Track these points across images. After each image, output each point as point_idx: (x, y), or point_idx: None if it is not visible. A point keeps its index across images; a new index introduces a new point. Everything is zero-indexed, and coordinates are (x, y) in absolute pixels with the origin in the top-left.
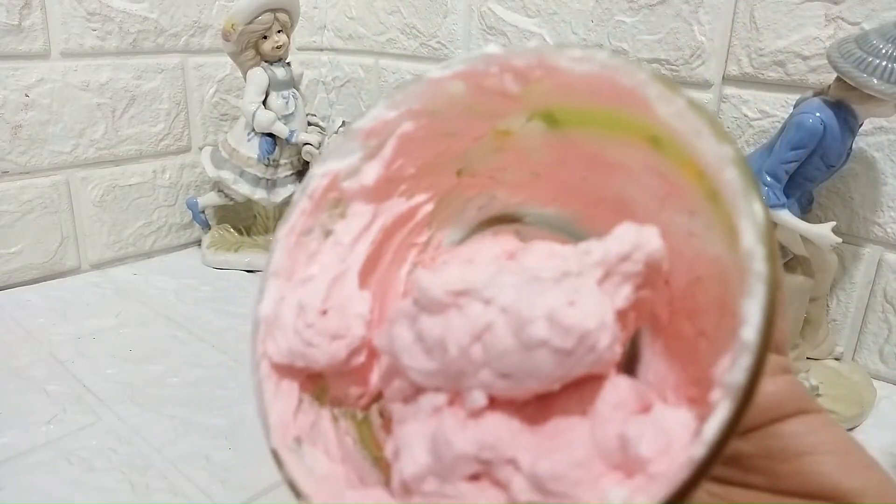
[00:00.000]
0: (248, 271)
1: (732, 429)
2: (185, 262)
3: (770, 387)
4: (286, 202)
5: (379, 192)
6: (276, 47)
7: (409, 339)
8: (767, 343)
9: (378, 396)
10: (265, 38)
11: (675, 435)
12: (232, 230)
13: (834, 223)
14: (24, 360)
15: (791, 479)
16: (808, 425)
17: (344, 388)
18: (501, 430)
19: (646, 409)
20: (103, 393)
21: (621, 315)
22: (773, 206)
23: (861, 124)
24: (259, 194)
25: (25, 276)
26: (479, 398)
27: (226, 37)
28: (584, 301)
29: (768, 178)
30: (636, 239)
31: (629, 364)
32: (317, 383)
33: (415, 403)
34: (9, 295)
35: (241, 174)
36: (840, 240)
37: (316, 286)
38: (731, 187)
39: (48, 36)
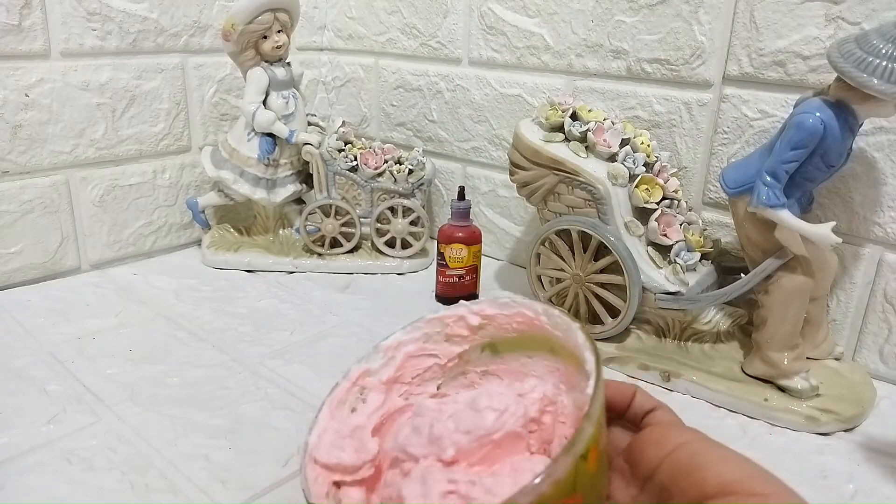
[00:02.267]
0: (247, 271)
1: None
2: (185, 262)
3: (647, 436)
4: (286, 202)
5: (388, 388)
6: (276, 47)
7: (408, 432)
8: (599, 380)
9: None
10: (265, 37)
11: None
12: (232, 230)
13: (834, 223)
14: (24, 360)
15: (695, 488)
16: (691, 448)
17: (351, 495)
18: (464, 471)
19: None
20: (103, 393)
21: (532, 421)
22: (773, 206)
23: (861, 124)
24: (259, 194)
25: (25, 276)
26: (450, 451)
27: (226, 37)
28: (508, 397)
29: (768, 178)
30: (537, 384)
31: None
32: (337, 490)
33: (411, 472)
34: (9, 295)
35: (241, 174)
36: (840, 240)
37: (346, 426)
38: (584, 352)
39: (48, 36)
